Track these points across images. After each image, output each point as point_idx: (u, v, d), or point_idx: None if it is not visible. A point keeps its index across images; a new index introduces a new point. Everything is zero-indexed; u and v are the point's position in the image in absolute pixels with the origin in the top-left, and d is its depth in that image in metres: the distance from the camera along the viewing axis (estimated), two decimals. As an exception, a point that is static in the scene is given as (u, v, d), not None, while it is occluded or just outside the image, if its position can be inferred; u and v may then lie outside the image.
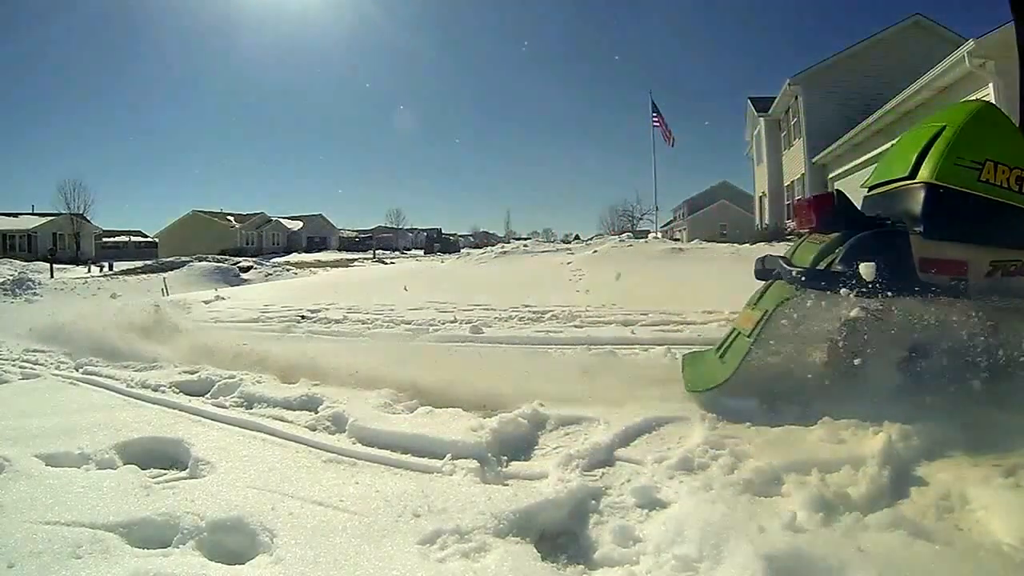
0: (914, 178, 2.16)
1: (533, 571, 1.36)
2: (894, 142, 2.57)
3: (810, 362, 2.19)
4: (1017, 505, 1.44)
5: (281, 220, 47.67)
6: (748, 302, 2.55)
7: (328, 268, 21.07)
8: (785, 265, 2.30)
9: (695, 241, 14.42)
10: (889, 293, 1.97)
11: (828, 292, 2.05)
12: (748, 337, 2.23)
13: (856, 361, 2.05)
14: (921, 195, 2.10)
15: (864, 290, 1.98)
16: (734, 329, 2.50)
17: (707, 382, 2.30)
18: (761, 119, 19.13)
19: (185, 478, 1.93)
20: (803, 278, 2.11)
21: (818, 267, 2.18)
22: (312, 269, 20.68)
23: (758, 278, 2.60)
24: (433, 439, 2.09)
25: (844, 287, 2.01)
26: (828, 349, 2.15)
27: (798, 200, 2.71)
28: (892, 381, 2.05)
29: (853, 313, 2.03)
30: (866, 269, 1.97)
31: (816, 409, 2.09)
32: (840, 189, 2.42)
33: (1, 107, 55.88)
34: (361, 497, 1.69)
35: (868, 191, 2.54)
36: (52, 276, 18.17)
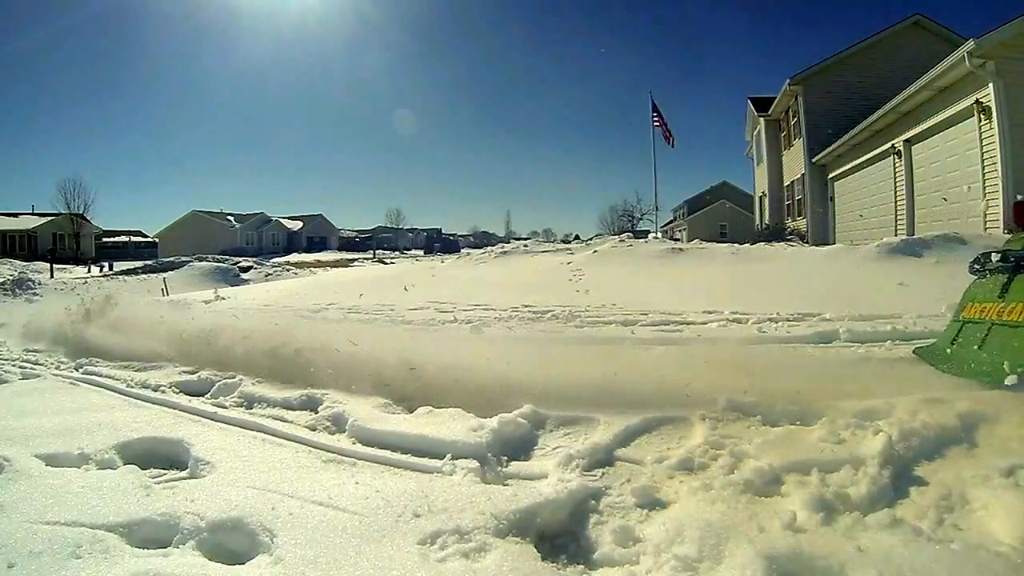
0: None
1: (533, 571, 1.35)
2: None
3: None
4: (1017, 505, 1.43)
5: (281, 220, 47.70)
6: (979, 297, 2.61)
7: (328, 268, 21.09)
8: None
9: (695, 241, 14.40)
10: None
11: None
12: None
13: None
14: None
15: None
16: (976, 321, 2.56)
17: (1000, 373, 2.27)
18: (761, 119, 19.12)
19: (185, 478, 1.93)
20: None
21: None
22: (312, 269, 20.69)
23: (974, 273, 2.75)
24: (433, 439, 2.08)
25: None
26: None
27: (1021, 199, 2.93)
28: None
29: None
30: None
31: (816, 409, 2.09)
32: None
33: (1, 107, 55.96)
34: (361, 497, 1.69)
35: None
36: (52, 276, 18.17)
